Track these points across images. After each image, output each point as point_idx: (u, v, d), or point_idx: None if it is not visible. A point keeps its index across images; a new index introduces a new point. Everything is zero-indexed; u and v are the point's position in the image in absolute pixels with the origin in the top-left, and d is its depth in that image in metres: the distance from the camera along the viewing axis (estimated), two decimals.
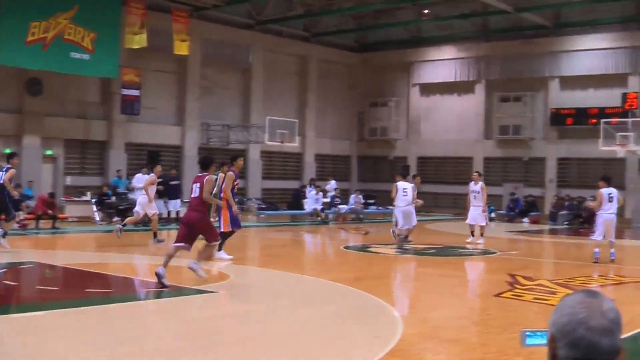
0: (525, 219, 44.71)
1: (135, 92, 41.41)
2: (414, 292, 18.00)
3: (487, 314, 14.44)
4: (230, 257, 21.66)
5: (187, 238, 16.87)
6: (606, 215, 23.75)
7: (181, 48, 41.85)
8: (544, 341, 3.17)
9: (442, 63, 53.15)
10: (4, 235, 23.33)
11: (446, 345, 11.54)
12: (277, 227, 36.07)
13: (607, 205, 23.65)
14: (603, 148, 42.16)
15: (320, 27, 53.32)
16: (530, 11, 46.64)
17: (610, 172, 45.75)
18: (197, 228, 16.93)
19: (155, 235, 26.63)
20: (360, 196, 43.90)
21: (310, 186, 42.42)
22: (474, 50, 51.82)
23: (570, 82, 48.50)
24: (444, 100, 53.77)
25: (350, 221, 41.78)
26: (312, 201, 40.65)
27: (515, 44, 49.98)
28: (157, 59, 43.97)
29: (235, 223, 21.92)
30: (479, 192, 29.54)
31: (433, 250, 26.66)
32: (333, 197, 43.70)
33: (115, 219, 35.68)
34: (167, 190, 35.65)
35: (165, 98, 45.10)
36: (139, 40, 39.55)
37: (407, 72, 54.87)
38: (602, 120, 43.16)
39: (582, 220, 43.35)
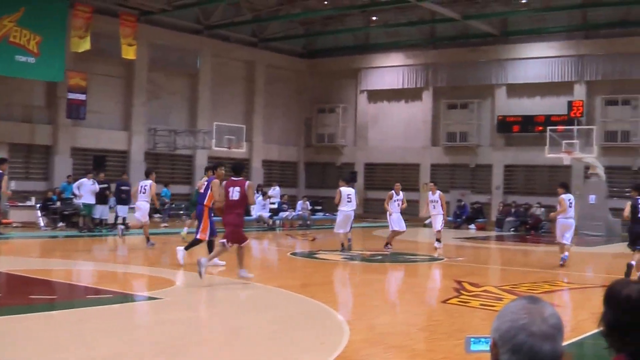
0: (472, 226, 44.92)
1: (81, 96, 41.07)
2: (361, 298, 17.99)
3: (434, 320, 14.47)
4: (182, 263, 21.76)
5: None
6: (566, 220, 24.62)
7: (128, 52, 41.60)
8: (488, 347, 3.19)
9: (390, 70, 53.33)
10: None
11: (392, 352, 11.54)
12: (223, 234, 35.93)
13: (569, 210, 24.57)
14: (549, 155, 42.59)
15: (268, 32, 53.28)
16: (477, 19, 46.98)
17: (557, 179, 46.27)
18: (233, 230, 18.68)
19: (148, 239, 27.49)
20: (308, 202, 43.85)
21: (257, 192, 42.30)
22: (422, 57, 52.06)
23: (517, 90, 48.92)
24: (391, 107, 53.95)
25: (298, 227, 41.73)
26: (259, 207, 40.52)
27: (463, 51, 50.32)
28: (103, 63, 43.65)
29: (212, 232, 22.49)
30: (437, 201, 29.81)
31: (380, 257, 26.70)
32: (280, 204, 43.65)
33: (60, 224, 35.36)
34: (119, 196, 35.36)
35: (111, 102, 44.77)
36: (83, 44, 39.27)
37: (355, 79, 55.00)
38: (548, 128, 43.68)
39: (528, 227, 43.73)
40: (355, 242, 29.60)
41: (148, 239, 27.68)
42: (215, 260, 21.02)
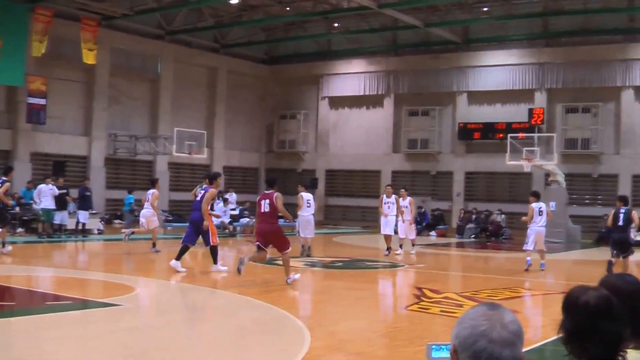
0: (433, 232, 44.99)
1: (41, 101, 40.80)
2: (321, 305, 17.98)
3: (394, 327, 14.48)
4: (225, 268, 23.06)
5: (264, 245, 20.03)
6: (536, 227, 26.03)
7: (89, 57, 41.38)
8: (449, 354, 3.19)
9: (352, 76, 53.40)
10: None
11: (353, 358, 11.52)
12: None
13: (537, 218, 25.95)
14: (510, 162, 42.79)
15: (230, 38, 53.22)
16: (439, 26, 47.15)
17: (517, 186, 46.63)
18: (269, 238, 20.03)
19: (154, 245, 28.31)
20: None
21: (218, 198, 42.11)
22: (384, 64, 52.18)
23: (478, 97, 49.18)
24: (352, 114, 54.02)
25: None
26: (220, 213, 40.37)
27: (424, 58, 50.51)
28: (64, 68, 43.36)
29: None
30: (407, 207, 30.54)
31: (340, 263, 26.69)
32: (242, 210, 43.49)
33: (19, 230, 35.04)
34: (81, 201, 35.12)
35: (72, 107, 44.49)
36: (42, 48, 39.05)
37: (317, 85, 55.02)
38: (509, 135, 43.88)
39: (488, 234, 43.90)
40: (316, 249, 29.59)
41: (154, 244, 28.33)
42: (219, 267, 22.75)
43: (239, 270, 19.54)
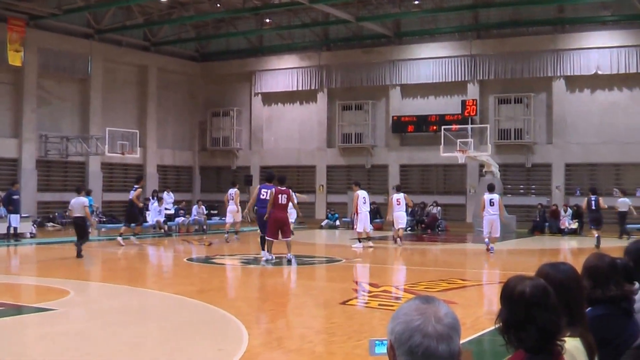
0: (369, 226, 45.09)
1: None
2: (259, 302, 17.91)
3: (332, 322, 14.44)
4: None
5: (279, 233, 25.35)
6: (489, 216, 29.77)
7: (15, 59, 40.85)
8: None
9: (284, 72, 53.30)
10: None
11: (291, 356, 11.49)
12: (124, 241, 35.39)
13: (490, 208, 29.76)
14: (444, 154, 43.01)
15: (160, 36, 52.82)
16: (370, 21, 47.28)
17: (452, 178, 46.98)
18: (286, 225, 25.83)
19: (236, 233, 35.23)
20: (203, 207, 43.54)
21: (152, 198, 41.85)
22: (316, 59, 52.15)
23: (411, 90, 49.35)
24: (286, 110, 53.93)
25: (194, 233, 41.42)
26: (154, 213, 40.09)
27: (356, 52, 50.57)
28: None
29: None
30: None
31: (277, 260, 26.68)
32: (177, 209, 43.23)
33: None
34: (10, 205, 34.60)
35: (0, 109, 43.87)
36: None
37: (249, 82, 54.82)
38: (443, 127, 44.16)
39: (424, 226, 44.13)
40: (251, 246, 29.57)
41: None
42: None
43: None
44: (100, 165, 47.90)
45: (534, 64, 45.62)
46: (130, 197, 33.22)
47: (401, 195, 33.47)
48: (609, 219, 36.98)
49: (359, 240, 32.14)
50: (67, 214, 35.70)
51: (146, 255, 31.34)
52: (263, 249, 26.06)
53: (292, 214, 30.29)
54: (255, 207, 27.04)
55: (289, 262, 24.94)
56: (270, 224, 25.46)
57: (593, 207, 33.11)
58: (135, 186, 33.15)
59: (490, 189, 30.69)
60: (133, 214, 33.67)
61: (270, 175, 27.56)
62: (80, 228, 27.20)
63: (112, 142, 44.33)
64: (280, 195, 25.24)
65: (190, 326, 14.03)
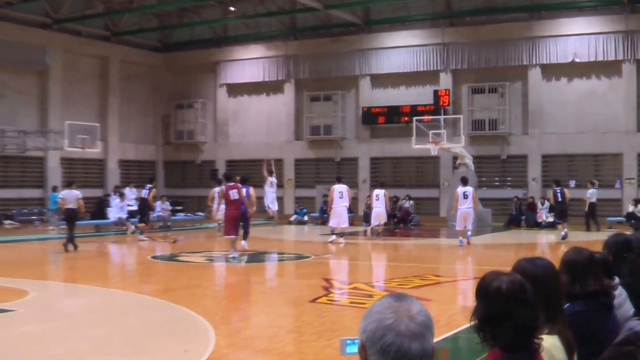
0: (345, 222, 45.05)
1: None
2: (226, 301, 17.89)
3: (302, 321, 14.45)
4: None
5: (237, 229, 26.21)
6: (462, 209, 30.56)
7: None
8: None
9: (250, 62, 53.18)
10: None
11: (260, 356, 11.48)
12: (80, 239, 35.10)
13: (463, 201, 30.64)
14: (416, 146, 42.93)
15: (122, 26, 52.52)
16: (339, 8, 47.12)
17: (425, 170, 47.10)
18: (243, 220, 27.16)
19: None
20: (168, 203, 43.40)
21: (114, 194, 41.65)
22: (282, 48, 52.09)
23: (382, 80, 49.37)
24: (252, 101, 53.83)
25: (158, 229, 41.28)
26: (116, 210, 39.85)
27: (325, 41, 50.51)
28: None
29: None
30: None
31: (244, 257, 26.64)
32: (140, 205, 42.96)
33: None
34: None
35: None
36: None
37: (214, 73, 54.68)
38: (415, 118, 43.98)
39: (396, 221, 44.13)
40: (217, 243, 29.56)
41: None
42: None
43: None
44: (59, 161, 47.60)
45: (509, 52, 45.72)
46: (145, 197, 35.19)
47: (382, 192, 34.27)
48: (575, 211, 37.59)
49: (333, 233, 32.21)
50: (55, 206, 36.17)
51: (108, 253, 31.22)
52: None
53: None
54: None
55: (234, 258, 25.29)
56: (226, 221, 26.00)
57: (559, 199, 34.29)
58: (149, 185, 35.33)
59: (464, 181, 31.43)
60: (145, 212, 35.73)
61: (228, 175, 28.43)
62: (73, 220, 28.94)
63: (72, 136, 44.01)
64: (230, 192, 25.79)
65: (155, 326, 13.99)
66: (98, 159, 49.86)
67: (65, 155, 46.93)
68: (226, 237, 26.05)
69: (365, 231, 35.93)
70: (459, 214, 30.66)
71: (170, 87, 56.12)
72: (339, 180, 34.16)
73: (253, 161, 51.39)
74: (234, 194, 25.72)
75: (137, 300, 16.98)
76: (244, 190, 27.05)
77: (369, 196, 46.12)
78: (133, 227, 36.99)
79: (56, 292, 19.34)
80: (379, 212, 34.52)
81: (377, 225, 35.04)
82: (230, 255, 25.45)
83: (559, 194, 34.07)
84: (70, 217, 28.82)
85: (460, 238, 30.46)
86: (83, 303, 17.11)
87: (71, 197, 28.86)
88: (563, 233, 33.14)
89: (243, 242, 28.29)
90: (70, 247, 28.22)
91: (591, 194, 38.79)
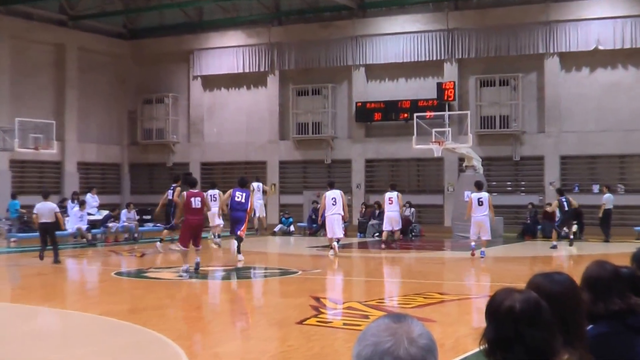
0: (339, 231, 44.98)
1: None
2: (202, 323, 17.89)
3: (288, 345, 14.44)
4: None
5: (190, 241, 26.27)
6: (478, 217, 30.97)
7: None
8: None
9: (228, 51, 53.04)
10: None
11: None
12: (33, 253, 35.06)
13: (478, 208, 30.84)
14: (417, 147, 42.80)
15: (81, 9, 52.33)
16: None
17: (427, 174, 47.04)
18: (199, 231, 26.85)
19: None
20: (134, 211, 43.28)
21: (72, 201, 41.59)
22: (265, 35, 51.94)
23: (378, 72, 49.29)
24: (230, 95, 53.70)
25: (123, 242, 41.22)
26: (75, 219, 39.76)
27: (313, 28, 50.40)
28: None
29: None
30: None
31: (223, 273, 26.63)
32: (108, 217, 42.72)
33: None
34: None
35: None
36: None
37: (187, 63, 54.54)
38: (415, 115, 43.81)
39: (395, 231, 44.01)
40: (192, 256, 29.59)
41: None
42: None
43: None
44: (8, 163, 47.41)
45: (523, 39, 45.62)
46: (171, 197, 34.39)
47: (394, 194, 35.19)
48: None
49: (337, 242, 32.63)
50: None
51: (65, 269, 31.16)
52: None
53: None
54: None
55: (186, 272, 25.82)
56: (183, 230, 26.50)
57: (566, 209, 35.68)
58: (174, 185, 34.75)
59: (479, 186, 31.99)
60: (168, 215, 35.64)
61: (192, 180, 28.59)
62: (51, 234, 29.76)
63: (23, 135, 43.81)
64: (193, 199, 26.20)
65: (120, 352, 13.99)
66: (54, 161, 49.68)
67: (16, 157, 46.71)
68: (180, 248, 26.32)
69: (383, 241, 36.22)
70: (473, 222, 31.24)
71: (136, 79, 55.98)
72: (331, 186, 34.12)
73: (231, 164, 51.41)
74: (196, 202, 25.97)
75: (98, 322, 16.96)
76: (244, 194, 29.09)
77: (363, 204, 46.49)
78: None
79: (5, 314, 19.29)
80: (393, 216, 35.54)
81: (391, 231, 35.95)
82: (182, 269, 25.87)
83: (565, 203, 34.96)
84: (46, 231, 29.56)
85: (482, 250, 30.83)
86: (36, 326, 17.10)
87: (46, 210, 29.44)
88: (555, 243, 34.33)
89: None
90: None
91: (607, 200, 38.97)
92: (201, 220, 26.71)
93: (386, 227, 35.90)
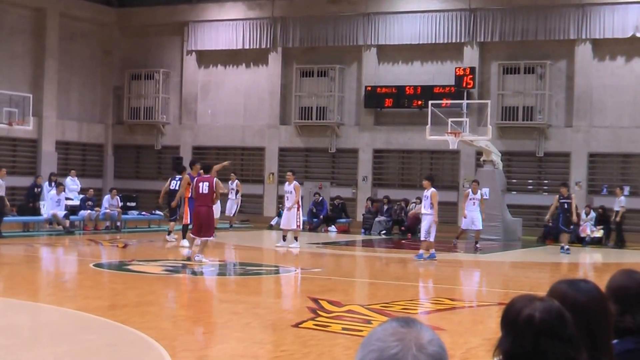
0: (333, 227, 45.05)
1: None
2: (189, 323, 17.91)
3: (282, 350, 14.49)
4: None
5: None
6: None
7: None
8: None
9: (226, 25, 52.97)
10: None
11: None
12: (4, 240, 35.18)
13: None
14: (431, 137, 42.73)
15: None
16: None
17: (441, 168, 46.99)
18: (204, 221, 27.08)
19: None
20: (118, 197, 43.26)
21: (50, 184, 41.60)
22: (268, 9, 51.84)
23: (391, 53, 49.27)
24: (228, 74, 53.65)
25: (104, 230, 41.26)
26: (52, 204, 39.76)
27: (321, 2, 50.30)
28: None
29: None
30: (291, 193, 33.49)
31: (213, 268, 26.68)
32: (84, 200, 42.78)
33: None
34: None
35: None
36: None
37: (180, 36, 54.49)
38: (430, 103, 43.67)
39: (403, 229, 43.95)
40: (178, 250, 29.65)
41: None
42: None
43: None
44: None
45: (552, 22, 45.56)
46: (173, 188, 35.22)
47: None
48: (629, 225, 38.07)
49: (296, 238, 33.20)
50: None
51: (40, 259, 31.20)
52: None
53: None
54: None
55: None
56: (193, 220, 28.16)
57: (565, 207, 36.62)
58: (178, 176, 35.35)
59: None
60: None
61: (205, 165, 29.63)
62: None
63: None
64: (201, 184, 27.21)
65: (97, 352, 14.01)
66: (29, 138, 49.62)
67: None
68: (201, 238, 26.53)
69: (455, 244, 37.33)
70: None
71: (124, 51, 55.96)
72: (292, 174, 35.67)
73: (226, 149, 51.34)
74: (204, 187, 26.06)
75: (73, 318, 16.98)
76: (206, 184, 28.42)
77: (369, 198, 46.41)
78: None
79: None
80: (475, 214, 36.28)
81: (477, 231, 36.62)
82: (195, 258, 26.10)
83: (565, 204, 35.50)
84: None
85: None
86: (6, 322, 17.12)
87: None
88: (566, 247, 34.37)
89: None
90: None
91: (624, 202, 39.22)
92: (210, 207, 27.27)
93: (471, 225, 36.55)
